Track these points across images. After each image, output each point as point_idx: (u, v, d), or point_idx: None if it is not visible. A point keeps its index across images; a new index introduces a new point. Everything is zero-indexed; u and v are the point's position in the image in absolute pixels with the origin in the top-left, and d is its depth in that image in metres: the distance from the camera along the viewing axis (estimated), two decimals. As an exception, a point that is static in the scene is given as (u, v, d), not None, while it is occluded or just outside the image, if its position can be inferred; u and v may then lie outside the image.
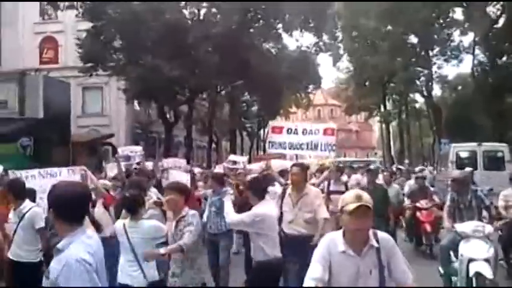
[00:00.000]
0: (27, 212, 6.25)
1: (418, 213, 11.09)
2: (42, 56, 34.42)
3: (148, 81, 24.31)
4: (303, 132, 9.93)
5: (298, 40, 45.33)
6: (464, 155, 19.03)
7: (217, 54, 26.10)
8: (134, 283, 5.26)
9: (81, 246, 2.85)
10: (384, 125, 53.52)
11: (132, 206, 5.52)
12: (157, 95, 27.55)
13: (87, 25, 27.43)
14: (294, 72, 33.90)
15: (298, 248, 6.19)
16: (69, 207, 2.93)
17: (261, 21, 30.65)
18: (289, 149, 10.10)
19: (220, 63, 26.55)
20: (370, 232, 3.37)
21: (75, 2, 26.94)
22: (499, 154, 18.41)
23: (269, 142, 10.56)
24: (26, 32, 33.87)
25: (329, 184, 10.29)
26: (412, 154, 50.62)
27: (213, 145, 40.41)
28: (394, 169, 21.86)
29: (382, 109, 50.82)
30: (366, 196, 3.37)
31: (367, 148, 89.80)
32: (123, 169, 11.13)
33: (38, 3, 32.95)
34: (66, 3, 27.18)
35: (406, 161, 42.14)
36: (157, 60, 24.08)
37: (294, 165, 7.18)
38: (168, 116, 31.89)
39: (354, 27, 42.71)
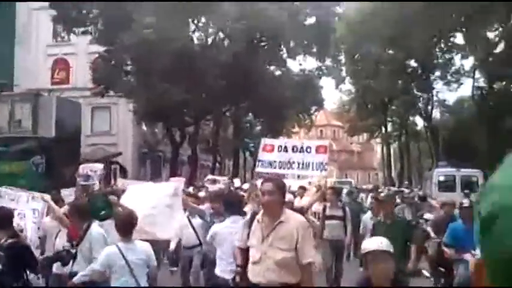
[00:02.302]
0: None
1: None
2: (53, 77, 35.43)
3: (157, 104, 25.29)
4: (293, 150, 9.05)
5: (301, 64, 46.49)
6: (445, 178, 20.86)
7: (223, 79, 27.11)
8: None
9: None
10: (384, 147, 54.28)
11: (126, 227, 5.44)
12: (165, 117, 28.55)
13: (98, 48, 28.55)
14: (297, 94, 34.71)
15: None
16: None
17: (266, 47, 31.64)
18: (279, 168, 9.10)
19: (226, 87, 27.55)
20: None
21: (89, 28, 28.01)
22: (474, 179, 20.56)
23: (258, 161, 9.48)
24: (39, 53, 34.94)
25: (324, 208, 9.52)
26: (412, 176, 51.25)
27: (217, 164, 41.19)
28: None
29: (383, 131, 51.62)
30: None
31: (369, 169, 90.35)
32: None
33: (51, 25, 33.98)
34: (81, 29, 28.21)
35: (406, 182, 42.89)
36: (166, 84, 25.06)
37: (265, 180, 4.99)
38: (174, 136, 32.81)
39: (356, 51, 43.68)
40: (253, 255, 4.54)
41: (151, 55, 24.70)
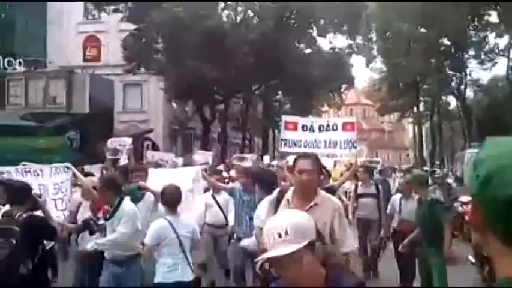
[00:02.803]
0: None
1: None
2: (85, 54, 36.06)
3: (187, 81, 25.60)
4: (319, 129, 8.68)
5: (331, 42, 46.45)
6: None
7: (253, 57, 27.21)
8: (189, 277, 5.40)
9: None
10: (416, 126, 53.75)
11: (174, 201, 5.51)
12: (195, 95, 28.89)
13: (129, 25, 28.95)
14: (327, 73, 34.40)
15: None
16: None
17: (295, 25, 31.53)
18: (304, 147, 8.65)
19: (256, 65, 27.67)
20: None
21: (120, 6, 28.34)
22: None
23: (281, 140, 9.08)
24: (70, 30, 35.51)
25: (356, 186, 9.46)
26: (444, 156, 50.71)
27: (246, 142, 41.50)
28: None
29: (415, 110, 51.06)
30: None
31: (400, 148, 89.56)
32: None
33: (81, 3, 34.41)
34: (112, 7, 28.58)
35: (437, 163, 42.49)
36: (197, 62, 25.30)
37: (301, 156, 4.33)
38: (205, 114, 33.18)
39: (388, 29, 43.10)
40: None
41: (181, 33, 24.93)
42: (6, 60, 28.83)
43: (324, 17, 31.69)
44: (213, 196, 8.43)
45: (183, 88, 27.14)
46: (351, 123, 8.77)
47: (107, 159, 9.99)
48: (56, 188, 6.76)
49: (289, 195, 4.09)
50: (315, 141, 8.61)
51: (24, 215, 4.56)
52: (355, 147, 8.55)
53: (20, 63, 28.88)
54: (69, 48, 34.60)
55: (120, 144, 12.00)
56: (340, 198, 9.79)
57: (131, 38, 28.32)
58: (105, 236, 5.74)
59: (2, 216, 4.69)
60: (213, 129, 35.86)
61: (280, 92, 41.93)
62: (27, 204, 4.77)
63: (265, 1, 28.31)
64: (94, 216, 6.26)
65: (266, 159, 21.09)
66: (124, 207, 5.61)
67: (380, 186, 9.65)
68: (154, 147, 28.91)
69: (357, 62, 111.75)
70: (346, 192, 10.02)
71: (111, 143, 12.05)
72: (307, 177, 3.95)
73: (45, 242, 5.73)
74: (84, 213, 6.56)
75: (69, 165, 7.12)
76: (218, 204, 8.36)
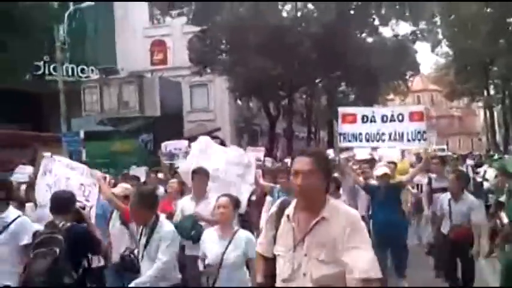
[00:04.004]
0: (12, 222, 4.74)
1: None
2: (152, 58, 37.31)
3: (253, 80, 26.08)
4: (382, 120, 8.02)
5: (394, 29, 45.41)
6: None
7: (315, 50, 27.37)
8: None
9: None
10: (487, 111, 51.95)
11: None
12: (260, 92, 29.38)
13: (193, 28, 29.78)
14: (391, 61, 33.99)
15: None
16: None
17: (356, 15, 31.40)
18: (366, 141, 8.13)
19: (318, 57, 27.80)
20: None
21: (184, 9, 29.25)
22: None
23: (340, 134, 8.46)
24: (137, 36, 36.79)
25: (430, 180, 8.65)
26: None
27: (312, 136, 41.59)
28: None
29: (485, 94, 49.37)
30: None
31: (472, 134, 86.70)
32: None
33: (146, 8, 35.53)
34: (176, 11, 29.53)
35: (511, 147, 40.93)
36: (261, 60, 25.75)
37: (300, 153, 2.99)
38: (270, 110, 33.60)
39: (452, 11, 41.92)
40: (282, 268, 2.91)
41: (244, 32, 25.42)
42: (79, 68, 30.23)
43: (385, 4, 31.36)
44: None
45: (248, 86, 27.73)
46: (419, 112, 8.08)
47: (164, 165, 9.20)
48: (81, 189, 6.08)
49: (290, 209, 2.98)
50: (378, 133, 8.03)
51: (68, 224, 4.37)
52: (424, 139, 7.86)
53: (92, 70, 30.24)
54: (137, 53, 35.89)
55: (176, 147, 11.35)
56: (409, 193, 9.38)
57: (196, 40, 29.17)
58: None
59: (46, 226, 4.42)
60: (278, 125, 36.23)
61: (343, 83, 41.70)
62: (71, 214, 4.57)
63: None
64: (126, 228, 5.75)
65: (330, 152, 20.80)
66: (163, 229, 4.67)
67: None
68: (223, 146, 29.59)
69: (422, 47, 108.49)
70: (418, 185, 9.38)
71: (166, 146, 11.36)
72: (303, 182, 2.82)
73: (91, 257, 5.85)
74: (115, 223, 6.00)
75: (94, 171, 6.37)
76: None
